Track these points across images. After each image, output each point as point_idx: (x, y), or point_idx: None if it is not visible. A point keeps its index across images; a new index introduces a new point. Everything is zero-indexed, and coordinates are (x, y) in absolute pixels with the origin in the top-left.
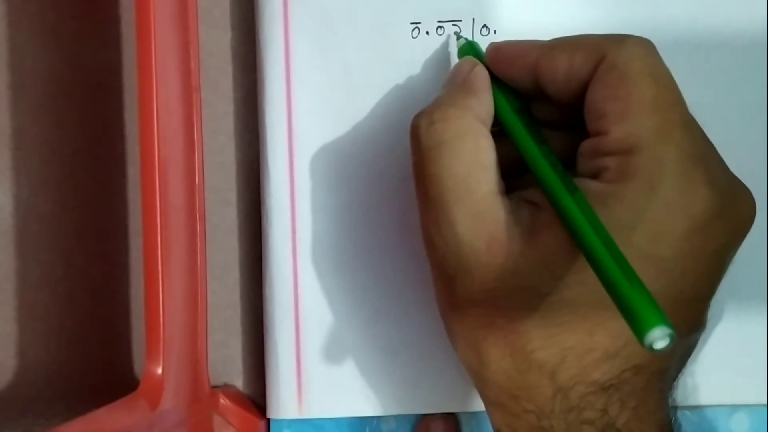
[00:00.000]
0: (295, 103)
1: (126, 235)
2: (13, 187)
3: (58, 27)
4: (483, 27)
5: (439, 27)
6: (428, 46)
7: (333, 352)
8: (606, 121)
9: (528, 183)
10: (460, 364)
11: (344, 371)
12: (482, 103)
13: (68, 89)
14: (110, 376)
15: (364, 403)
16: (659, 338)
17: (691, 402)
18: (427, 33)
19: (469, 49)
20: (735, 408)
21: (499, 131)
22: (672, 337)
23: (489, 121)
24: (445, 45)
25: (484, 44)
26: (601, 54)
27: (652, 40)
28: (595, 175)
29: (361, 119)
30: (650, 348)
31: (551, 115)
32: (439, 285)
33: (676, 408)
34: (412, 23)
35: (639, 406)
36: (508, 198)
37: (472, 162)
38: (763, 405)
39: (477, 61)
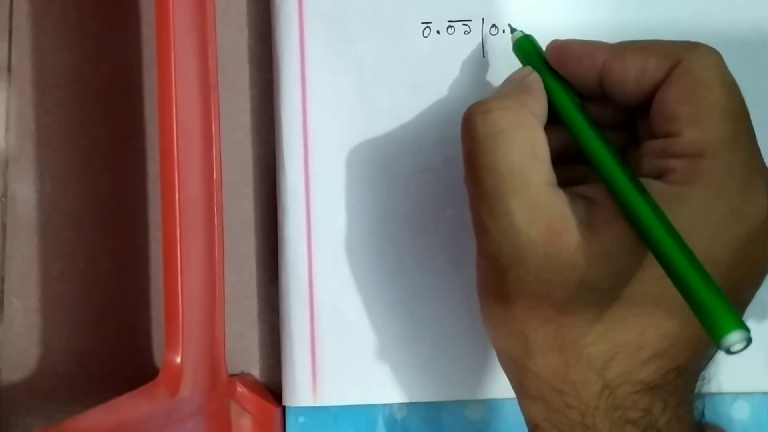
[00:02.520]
0: (310, 101)
1: (146, 228)
2: (36, 182)
3: (81, 27)
4: (492, 26)
5: (450, 26)
6: (439, 44)
7: (347, 342)
8: (677, 124)
9: (577, 178)
10: (471, 352)
11: (358, 360)
12: (538, 101)
13: (90, 87)
14: (131, 364)
15: (377, 391)
16: (737, 341)
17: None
18: (438, 32)
19: (525, 42)
20: (736, 396)
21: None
22: (749, 341)
23: (543, 120)
24: (461, 43)
25: (493, 43)
26: (677, 59)
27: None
28: (660, 176)
29: (374, 116)
30: (727, 351)
31: (603, 115)
32: (489, 274)
33: (703, 396)
34: (423, 23)
35: (679, 406)
36: (564, 192)
37: (528, 153)
38: (764, 393)
39: (532, 69)
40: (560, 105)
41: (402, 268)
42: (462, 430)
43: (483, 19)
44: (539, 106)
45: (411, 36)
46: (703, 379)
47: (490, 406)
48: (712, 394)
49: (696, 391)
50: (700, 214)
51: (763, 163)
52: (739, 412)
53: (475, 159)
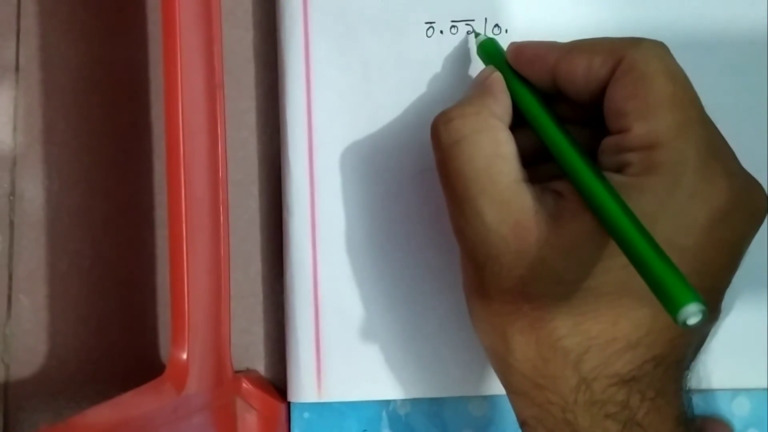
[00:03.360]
0: (315, 100)
1: (152, 226)
2: (44, 180)
3: (88, 27)
4: (495, 26)
5: (453, 26)
6: (442, 44)
7: (351, 339)
8: (627, 119)
9: (547, 174)
10: (474, 349)
11: (362, 357)
12: (498, 102)
13: (97, 86)
14: (137, 361)
15: (381, 388)
16: (692, 314)
17: (695, 387)
18: (441, 32)
19: (489, 44)
20: (736, 392)
21: (516, 126)
22: (704, 313)
23: (506, 119)
24: (464, 43)
25: None
26: (620, 56)
27: (657, 39)
28: (618, 170)
29: (378, 115)
30: (683, 324)
31: (569, 112)
32: (469, 273)
33: (690, 392)
34: (426, 23)
35: (657, 398)
36: (532, 186)
37: (492, 154)
38: (764, 389)
39: (494, 68)
40: (522, 103)
41: (405, 266)
42: (465, 426)
43: (485, 19)
44: (500, 106)
45: (414, 36)
46: (690, 372)
47: (492, 402)
48: (713, 390)
49: (682, 384)
50: (659, 203)
51: (722, 147)
52: (740, 407)
53: (443, 166)
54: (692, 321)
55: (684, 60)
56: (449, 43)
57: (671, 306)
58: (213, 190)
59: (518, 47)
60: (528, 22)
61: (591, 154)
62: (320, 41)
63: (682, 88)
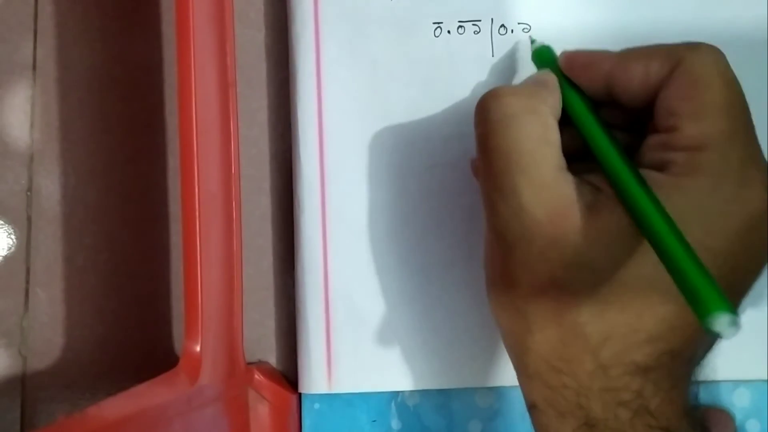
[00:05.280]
0: (325, 98)
1: (166, 221)
2: (60, 177)
3: (103, 27)
4: (501, 27)
5: (460, 27)
6: (450, 44)
7: (361, 331)
8: (678, 119)
9: (586, 168)
10: (481, 341)
11: (371, 349)
12: (551, 95)
13: (112, 85)
14: (152, 353)
15: (390, 379)
16: (722, 322)
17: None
18: (449, 32)
19: (544, 51)
20: (737, 383)
21: (561, 125)
22: (736, 322)
23: (555, 113)
24: (473, 45)
25: (501, 43)
26: (677, 59)
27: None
28: (661, 168)
29: (387, 112)
30: (712, 332)
31: (614, 118)
32: (496, 252)
33: (698, 384)
34: (434, 23)
35: (671, 389)
36: (571, 175)
37: (539, 137)
38: (764, 380)
39: (549, 71)
40: (570, 105)
41: (414, 260)
42: (472, 417)
43: (492, 19)
44: (552, 98)
45: (423, 36)
46: (701, 366)
47: (499, 393)
48: (714, 382)
49: (693, 377)
50: (697, 204)
51: (762, 158)
52: (741, 399)
53: (486, 141)
54: (723, 329)
55: None
56: (456, 42)
57: (701, 312)
58: (226, 186)
59: (572, 54)
60: (535, 23)
61: (630, 155)
62: (331, 41)
63: (735, 95)
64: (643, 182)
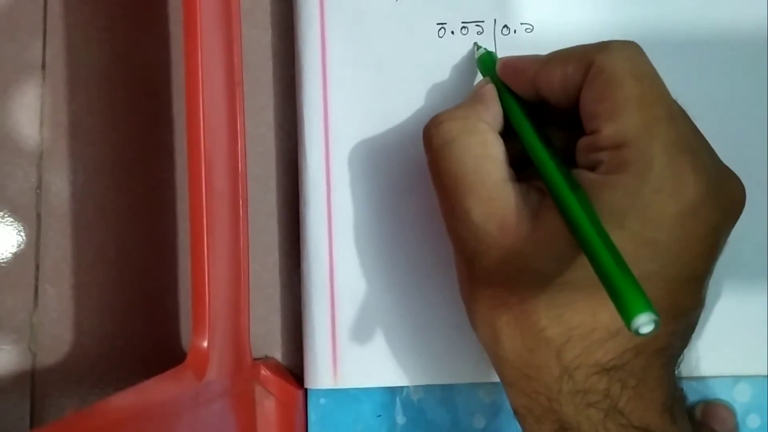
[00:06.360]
0: (331, 97)
1: (174, 218)
2: (69, 175)
3: (111, 27)
4: (504, 27)
5: (464, 27)
6: (453, 44)
7: (366, 327)
8: (598, 121)
9: (536, 174)
10: None
11: (376, 345)
12: (488, 109)
13: (121, 84)
14: (159, 349)
15: (395, 374)
16: (644, 323)
17: (697, 373)
18: (453, 33)
19: (486, 58)
20: (737, 379)
21: (507, 133)
22: (657, 323)
23: (496, 125)
24: (471, 52)
25: (505, 43)
26: (590, 61)
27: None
28: (592, 168)
29: (392, 111)
30: (636, 333)
31: (554, 117)
32: (460, 268)
33: (680, 379)
34: (438, 24)
35: (639, 386)
36: (518, 185)
37: (480, 154)
38: (764, 376)
39: (489, 80)
40: (509, 113)
41: (418, 257)
42: (475, 411)
43: (495, 20)
44: (490, 113)
45: (427, 36)
46: (681, 359)
47: (501, 388)
48: (715, 377)
49: (668, 371)
50: (629, 199)
51: (693, 143)
52: (741, 394)
53: (434, 167)
54: (645, 330)
55: (684, 60)
56: (460, 43)
57: (625, 315)
58: (232, 183)
59: (504, 62)
60: (537, 23)
61: (573, 154)
62: (336, 41)
63: (649, 87)
64: (573, 186)
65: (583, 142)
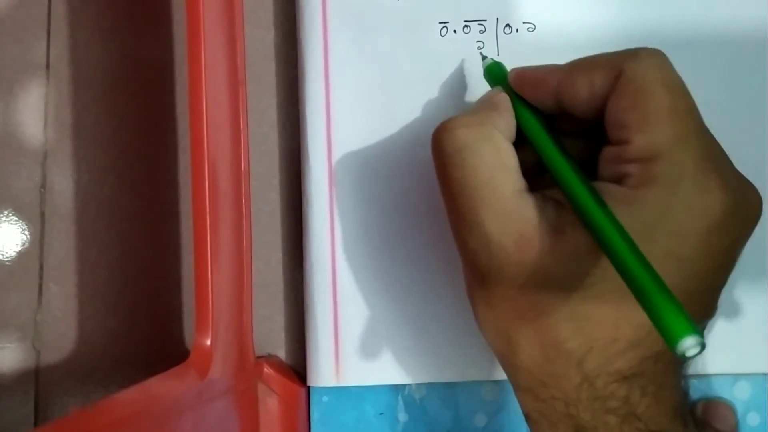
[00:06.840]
0: (333, 97)
1: (177, 217)
2: (73, 174)
3: (115, 26)
4: (506, 26)
5: (466, 26)
6: (455, 43)
7: (368, 326)
8: (627, 131)
9: (548, 182)
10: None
11: (378, 343)
12: (503, 118)
13: (124, 83)
14: (163, 347)
15: (397, 372)
16: (691, 347)
17: (697, 371)
18: (455, 31)
19: (494, 67)
20: (738, 377)
21: (520, 144)
22: (703, 345)
23: (509, 135)
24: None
25: (507, 42)
26: (618, 69)
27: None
28: (618, 180)
29: (394, 111)
30: (682, 356)
31: (570, 126)
32: (471, 280)
33: (687, 379)
34: (440, 22)
35: (657, 392)
36: (534, 196)
37: (495, 164)
38: (764, 374)
39: (501, 89)
40: (523, 122)
41: (420, 256)
42: (477, 410)
43: (497, 19)
44: (504, 121)
45: (429, 35)
46: (689, 363)
47: (503, 387)
48: (715, 375)
49: (681, 375)
50: (658, 213)
51: (718, 155)
52: (741, 392)
53: (445, 175)
54: (691, 353)
55: (684, 60)
56: (462, 42)
57: (669, 338)
58: (236, 183)
59: (520, 72)
60: (539, 22)
61: (592, 164)
62: (338, 40)
63: (681, 98)
64: (599, 202)
65: (608, 152)
